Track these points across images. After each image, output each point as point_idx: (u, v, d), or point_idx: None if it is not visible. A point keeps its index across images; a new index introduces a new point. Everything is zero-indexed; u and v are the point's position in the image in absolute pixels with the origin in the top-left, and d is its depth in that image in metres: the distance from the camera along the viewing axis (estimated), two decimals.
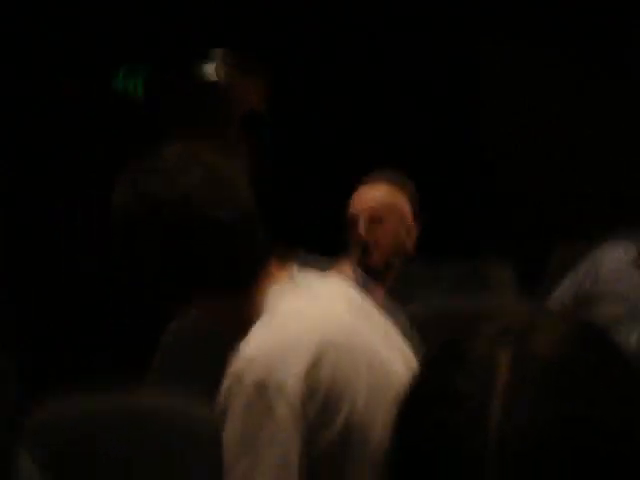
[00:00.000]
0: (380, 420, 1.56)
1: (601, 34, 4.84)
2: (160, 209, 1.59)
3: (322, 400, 1.52)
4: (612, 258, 2.71)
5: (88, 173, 4.97)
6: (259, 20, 5.29)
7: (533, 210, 5.11)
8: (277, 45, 5.28)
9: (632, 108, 4.71)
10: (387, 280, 2.95)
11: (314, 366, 1.53)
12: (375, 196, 3.03)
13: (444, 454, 0.73)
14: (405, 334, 1.78)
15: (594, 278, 2.72)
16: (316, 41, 5.30)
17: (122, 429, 1.76)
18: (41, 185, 4.97)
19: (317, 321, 1.59)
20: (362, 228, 2.96)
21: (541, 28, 5.00)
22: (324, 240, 3.73)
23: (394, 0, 5.25)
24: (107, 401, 1.80)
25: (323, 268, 1.77)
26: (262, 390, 1.50)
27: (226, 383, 1.54)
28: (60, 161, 5.09)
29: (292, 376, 1.51)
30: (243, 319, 1.63)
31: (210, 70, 5.89)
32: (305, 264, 1.73)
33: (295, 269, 1.69)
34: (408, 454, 0.76)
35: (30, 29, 4.82)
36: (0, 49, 4.74)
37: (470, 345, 0.77)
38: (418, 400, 0.79)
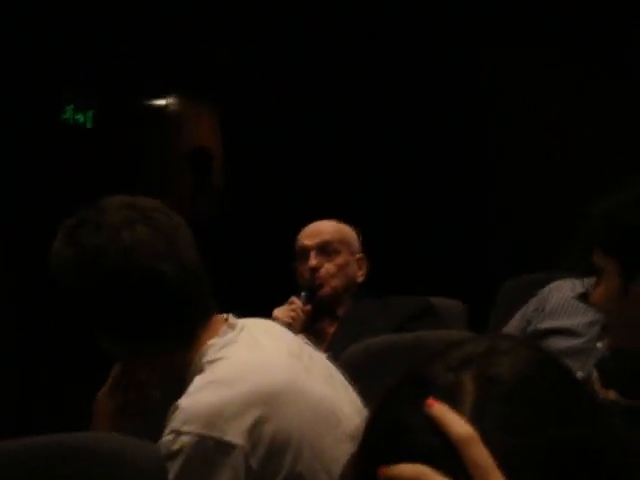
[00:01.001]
0: (327, 462, 1.57)
1: (601, 34, 4.84)
2: (101, 261, 1.60)
3: (266, 452, 1.52)
4: (560, 294, 2.74)
5: (89, 173, 4.97)
6: (257, 21, 5.29)
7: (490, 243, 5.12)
8: (277, 48, 5.29)
9: (632, 108, 4.71)
10: (338, 313, 2.94)
11: (258, 422, 1.52)
12: (325, 228, 3.03)
13: None
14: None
15: (542, 314, 2.75)
16: (316, 41, 5.31)
17: (63, 462, 1.68)
18: (41, 185, 4.97)
19: (260, 376, 1.59)
20: (313, 259, 2.94)
21: (541, 28, 5.00)
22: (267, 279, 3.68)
23: (394, 0, 5.25)
24: (49, 436, 1.73)
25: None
26: (202, 446, 1.50)
27: (166, 438, 1.53)
28: (61, 161, 5.10)
29: (234, 432, 1.50)
30: (182, 372, 1.64)
31: (164, 103, 5.88)
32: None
33: (233, 319, 1.70)
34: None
35: None
36: None
37: (432, 372, 0.79)
38: (382, 427, 0.79)
